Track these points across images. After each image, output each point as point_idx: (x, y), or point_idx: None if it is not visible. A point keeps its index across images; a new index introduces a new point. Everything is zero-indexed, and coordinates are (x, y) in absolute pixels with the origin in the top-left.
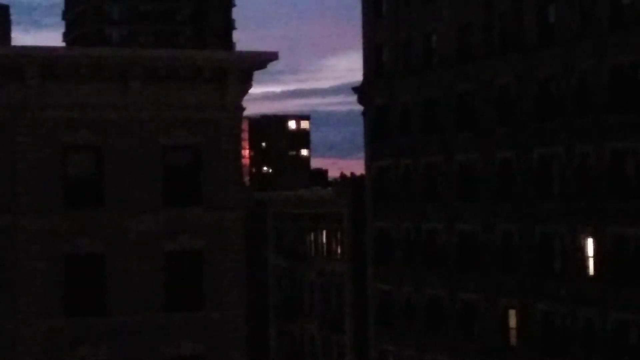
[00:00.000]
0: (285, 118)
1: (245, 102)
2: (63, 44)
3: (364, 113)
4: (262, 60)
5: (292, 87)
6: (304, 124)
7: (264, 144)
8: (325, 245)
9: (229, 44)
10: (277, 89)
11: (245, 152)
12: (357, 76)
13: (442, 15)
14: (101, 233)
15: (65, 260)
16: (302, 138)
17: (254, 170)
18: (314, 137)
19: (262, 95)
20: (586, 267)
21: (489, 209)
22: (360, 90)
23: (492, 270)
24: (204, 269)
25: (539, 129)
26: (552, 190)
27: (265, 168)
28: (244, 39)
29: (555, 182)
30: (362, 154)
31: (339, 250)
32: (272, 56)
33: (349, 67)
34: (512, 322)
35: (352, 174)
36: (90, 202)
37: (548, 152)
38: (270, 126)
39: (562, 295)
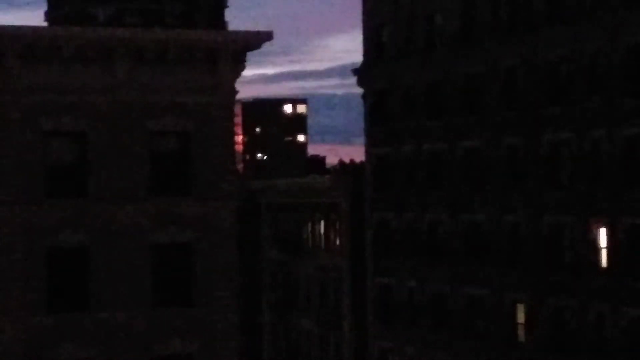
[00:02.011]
0: (281, 102)
1: (237, 85)
2: (45, 24)
3: (363, 96)
4: (256, 40)
5: (285, 68)
6: (301, 108)
7: (258, 129)
8: (322, 237)
9: (220, 23)
10: (269, 71)
11: (239, 138)
12: (354, 57)
13: None
14: (85, 224)
15: (47, 254)
16: (299, 123)
17: (247, 157)
18: (309, 122)
19: (254, 78)
20: (598, 259)
21: (495, 199)
22: (359, 72)
23: (499, 263)
24: (193, 262)
25: (547, 113)
26: (561, 178)
27: (259, 155)
28: (234, 19)
29: (565, 170)
30: (361, 140)
31: (337, 242)
32: (267, 36)
33: (346, 47)
34: (520, 317)
35: (351, 161)
36: (73, 191)
37: (557, 138)
38: (264, 110)
39: (573, 289)
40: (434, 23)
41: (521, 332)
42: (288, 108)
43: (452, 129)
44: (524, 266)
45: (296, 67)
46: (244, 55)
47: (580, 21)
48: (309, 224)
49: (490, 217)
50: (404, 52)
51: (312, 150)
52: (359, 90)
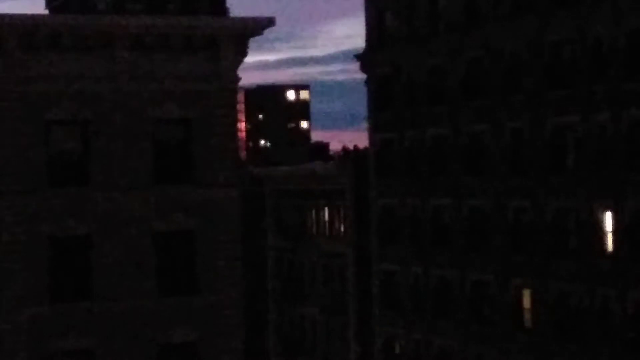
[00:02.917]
0: (284, 88)
1: (239, 72)
2: (46, 12)
3: (366, 82)
4: (257, 26)
5: (286, 55)
6: (304, 94)
7: (260, 116)
8: (326, 224)
9: (221, 10)
10: (270, 57)
11: (241, 125)
12: (356, 43)
13: None
14: (87, 213)
15: (49, 243)
16: (302, 109)
17: (250, 144)
18: (312, 108)
19: (255, 64)
20: (604, 244)
21: (500, 184)
22: (362, 58)
23: (504, 249)
24: (197, 250)
25: (552, 97)
26: (566, 162)
27: (262, 142)
28: (234, 5)
29: (569, 154)
30: (364, 126)
31: (341, 229)
32: (269, 22)
33: (347, 33)
34: (526, 302)
35: (354, 147)
36: (75, 180)
37: (562, 122)
38: (267, 97)
39: (579, 273)
40: (437, 7)
41: (527, 317)
42: (291, 94)
43: (456, 114)
44: (529, 251)
45: (298, 54)
46: (246, 42)
47: (584, 4)
48: (313, 211)
49: (495, 202)
50: (407, 37)
51: (315, 136)
52: (362, 76)
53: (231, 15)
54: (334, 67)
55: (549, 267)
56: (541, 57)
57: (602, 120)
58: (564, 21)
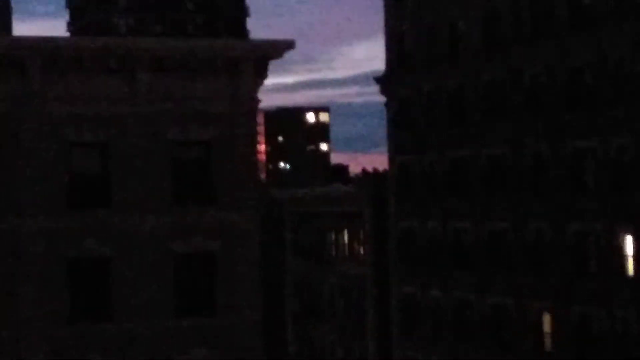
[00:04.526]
0: (303, 110)
1: (258, 94)
2: (67, 34)
3: (386, 104)
4: (277, 49)
5: (305, 77)
6: (323, 117)
7: (280, 139)
8: (346, 246)
9: (241, 32)
10: (289, 79)
11: (261, 147)
12: (374, 65)
13: (468, 1)
14: (108, 234)
15: (70, 264)
16: (321, 131)
17: (270, 166)
18: (331, 131)
19: (274, 87)
20: (624, 267)
21: (520, 206)
22: (382, 81)
23: (524, 271)
24: (216, 272)
25: (572, 120)
26: (586, 185)
27: (282, 164)
28: (252, 27)
29: (590, 177)
30: (382, 148)
31: (360, 251)
32: (289, 45)
33: (365, 56)
34: (547, 326)
35: (374, 169)
36: (96, 201)
37: (582, 145)
38: (287, 119)
39: (599, 297)
40: (456, 30)
41: (547, 341)
42: (310, 117)
43: (476, 137)
44: (549, 274)
45: (316, 76)
46: (266, 65)
47: (604, 28)
48: (333, 233)
49: (515, 225)
50: (427, 60)
51: (334, 159)
52: (380, 98)
53: (251, 37)
54: (353, 89)
55: (569, 291)
56: (561, 80)
57: (622, 143)
58: (584, 45)
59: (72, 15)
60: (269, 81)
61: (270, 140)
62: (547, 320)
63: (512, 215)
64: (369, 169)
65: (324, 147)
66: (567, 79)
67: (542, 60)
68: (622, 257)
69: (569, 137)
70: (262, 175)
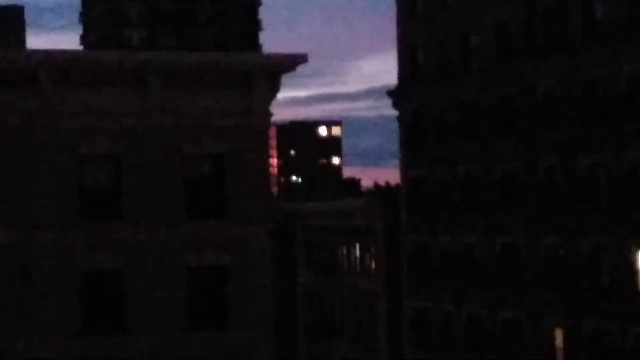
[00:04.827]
0: (316, 124)
1: (270, 108)
2: (81, 47)
3: (398, 118)
4: (290, 63)
5: (316, 91)
6: (335, 130)
7: (292, 152)
8: (358, 260)
9: (253, 45)
10: (300, 93)
11: (273, 161)
12: (385, 79)
13: (481, 14)
14: (120, 248)
15: (82, 277)
16: (333, 145)
17: (282, 179)
18: (343, 144)
19: (286, 100)
20: (637, 283)
21: (532, 221)
22: (394, 94)
23: (536, 286)
24: (228, 285)
25: (585, 134)
26: (599, 200)
27: (294, 177)
28: (264, 40)
29: (602, 192)
30: (394, 162)
31: (372, 265)
32: (301, 59)
33: (376, 69)
34: (558, 341)
35: (386, 183)
36: (108, 214)
37: (595, 160)
38: (299, 133)
39: (612, 312)
40: (469, 44)
41: (559, 357)
42: (322, 130)
43: (488, 151)
44: (562, 289)
45: (327, 90)
46: (279, 78)
47: (617, 41)
48: (344, 247)
49: (527, 239)
50: (439, 74)
51: (346, 172)
52: (392, 112)
53: (264, 51)
54: (364, 103)
55: (582, 306)
56: (574, 94)
57: (635, 157)
58: (597, 58)
59: (85, 29)
60: (282, 94)
61: (282, 153)
62: (559, 336)
63: (524, 229)
64: (381, 182)
65: (336, 160)
66: (580, 93)
67: (555, 73)
68: (635, 272)
69: (582, 151)
70: (274, 189)
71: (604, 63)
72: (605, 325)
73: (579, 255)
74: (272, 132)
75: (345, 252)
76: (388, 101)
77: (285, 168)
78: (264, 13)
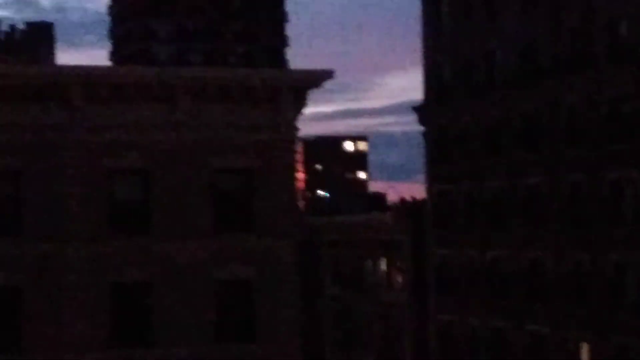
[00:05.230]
0: (342, 139)
1: (297, 123)
2: (110, 63)
3: (424, 134)
4: (316, 79)
5: (341, 106)
6: (362, 145)
7: (319, 167)
8: (384, 274)
9: (280, 61)
10: (326, 108)
11: (300, 175)
12: (410, 95)
13: (506, 31)
14: (149, 261)
15: (112, 289)
16: (360, 160)
17: (308, 194)
18: (369, 159)
19: (312, 115)
20: None
21: (558, 236)
22: (420, 110)
23: (562, 301)
24: (255, 299)
25: (610, 151)
26: (625, 215)
27: (320, 192)
28: (290, 56)
29: (628, 207)
30: (420, 177)
31: (398, 280)
32: (328, 75)
33: (401, 85)
34: (585, 356)
35: (412, 198)
36: (137, 228)
37: (620, 176)
38: (325, 148)
39: (638, 327)
40: (494, 60)
41: None
42: (349, 145)
43: (514, 167)
44: (588, 304)
45: (353, 105)
46: (305, 94)
47: None
48: (370, 261)
49: (553, 255)
50: (464, 90)
51: (372, 187)
52: (417, 128)
53: (290, 67)
54: (390, 119)
55: (607, 321)
56: (599, 110)
57: None
58: (622, 75)
59: (114, 45)
60: (308, 110)
61: (308, 168)
62: (585, 351)
63: (550, 245)
64: (407, 197)
65: (362, 175)
66: (606, 110)
67: (580, 90)
68: None
69: (607, 167)
70: (301, 203)
71: (629, 80)
72: (631, 340)
73: (605, 270)
74: (299, 147)
75: (371, 266)
76: (414, 117)
77: (312, 182)
78: (290, 29)
